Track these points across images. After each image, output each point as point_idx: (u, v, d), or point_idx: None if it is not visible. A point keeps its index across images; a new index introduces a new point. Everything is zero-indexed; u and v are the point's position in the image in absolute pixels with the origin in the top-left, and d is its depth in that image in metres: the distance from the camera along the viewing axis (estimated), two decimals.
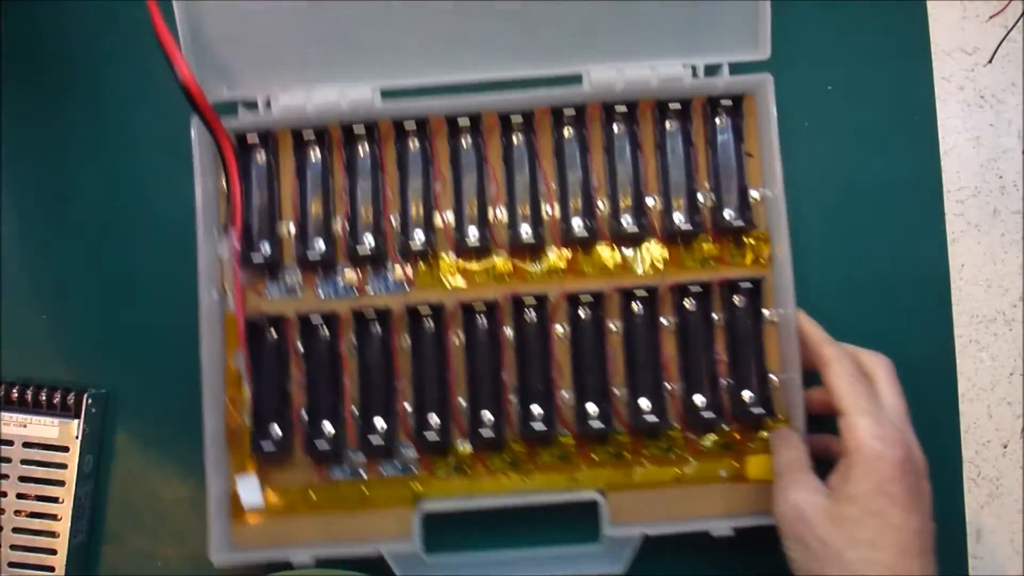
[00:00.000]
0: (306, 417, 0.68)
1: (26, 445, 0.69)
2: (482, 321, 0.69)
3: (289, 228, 0.70)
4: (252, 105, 0.69)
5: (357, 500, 0.68)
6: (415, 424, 0.68)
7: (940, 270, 0.74)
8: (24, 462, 0.69)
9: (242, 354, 0.67)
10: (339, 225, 0.70)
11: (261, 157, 0.70)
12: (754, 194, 0.69)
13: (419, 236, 0.69)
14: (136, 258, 0.74)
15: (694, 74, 0.68)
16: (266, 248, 0.69)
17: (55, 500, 0.69)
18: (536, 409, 0.68)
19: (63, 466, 0.69)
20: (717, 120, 0.70)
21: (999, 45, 0.76)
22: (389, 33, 0.68)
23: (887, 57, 0.76)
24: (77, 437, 0.69)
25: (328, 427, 0.68)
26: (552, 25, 0.67)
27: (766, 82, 0.67)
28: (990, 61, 0.76)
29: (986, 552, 0.71)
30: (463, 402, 0.68)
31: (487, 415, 0.68)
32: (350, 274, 0.69)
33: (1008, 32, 0.76)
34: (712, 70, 0.69)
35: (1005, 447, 0.73)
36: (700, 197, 0.69)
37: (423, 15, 0.66)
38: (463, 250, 0.69)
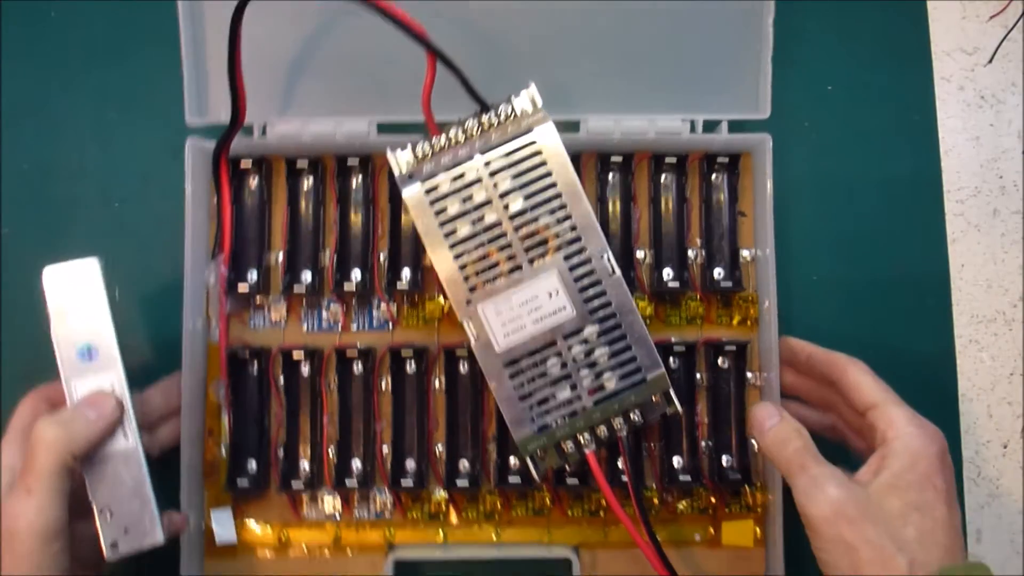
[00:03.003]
0: (282, 455, 0.67)
1: None
2: (464, 367, 0.68)
3: (278, 257, 0.69)
4: (248, 131, 0.68)
5: (330, 543, 0.68)
6: (392, 468, 0.67)
7: (940, 270, 0.74)
8: None
9: (223, 385, 0.67)
10: (328, 257, 0.69)
11: (254, 183, 0.70)
12: (745, 254, 0.69)
13: (407, 275, 0.68)
14: (134, 256, 0.73)
15: (692, 129, 0.68)
16: (253, 277, 0.69)
17: None
18: (515, 461, 0.68)
19: None
20: (713, 177, 0.69)
21: (999, 45, 0.76)
22: (389, 69, 0.67)
23: (887, 57, 0.76)
24: None
25: (305, 467, 0.68)
26: (553, 71, 0.67)
27: (764, 142, 0.66)
28: (990, 61, 0.76)
29: (986, 552, 0.72)
30: (441, 449, 0.68)
31: (464, 463, 0.68)
32: (335, 308, 0.69)
33: (1008, 32, 0.76)
34: (711, 126, 0.68)
35: (1005, 447, 0.73)
36: (691, 254, 0.69)
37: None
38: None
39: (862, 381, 0.58)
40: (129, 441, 0.59)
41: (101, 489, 0.58)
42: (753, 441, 0.67)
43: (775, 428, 0.58)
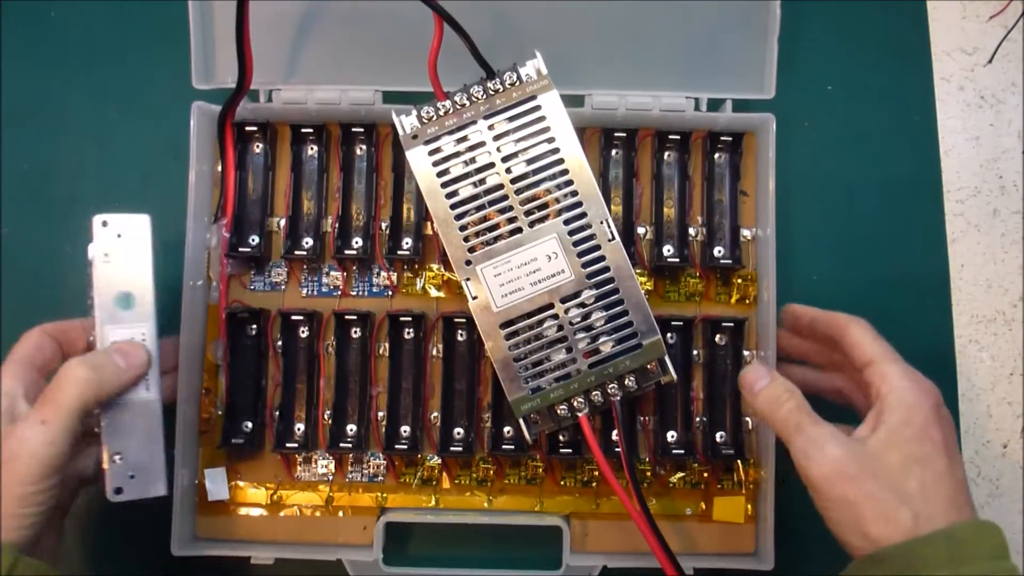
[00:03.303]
0: (278, 415, 0.68)
1: None
2: (462, 335, 0.69)
3: (279, 222, 0.69)
4: (254, 96, 0.69)
5: (322, 503, 0.68)
6: (386, 433, 0.68)
7: (940, 270, 0.75)
8: None
9: (221, 345, 0.67)
10: (329, 224, 0.69)
11: (258, 147, 0.70)
12: (745, 233, 0.69)
13: (407, 243, 0.69)
14: None
15: (696, 107, 0.68)
16: (255, 240, 0.69)
17: None
18: (509, 431, 0.68)
19: None
20: (716, 155, 0.70)
21: (999, 45, 0.77)
22: (396, 39, 0.68)
23: (887, 57, 0.77)
24: None
25: (299, 428, 0.68)
26: (559, 45, 0.67)
27: (768, 122, 0.67)
28: (990, 61, 0.77)
29: None
30: (436, 415, 0.68)
31: (459, 431, 0.68)
32: (335, 274, 0.69)
33: (1008, 32, 0.77)
34: (715, 105, 0.68)
35: (1005, 447, 0.73)
36: (691, 231, 0.69)
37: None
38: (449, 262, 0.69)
39: (862, 339, 0.58)
40: (151, 392, 0.60)
41: (115, 434, 0.59)
42: (748, 419, 0.67)
43: (766, 389, 0.57)
